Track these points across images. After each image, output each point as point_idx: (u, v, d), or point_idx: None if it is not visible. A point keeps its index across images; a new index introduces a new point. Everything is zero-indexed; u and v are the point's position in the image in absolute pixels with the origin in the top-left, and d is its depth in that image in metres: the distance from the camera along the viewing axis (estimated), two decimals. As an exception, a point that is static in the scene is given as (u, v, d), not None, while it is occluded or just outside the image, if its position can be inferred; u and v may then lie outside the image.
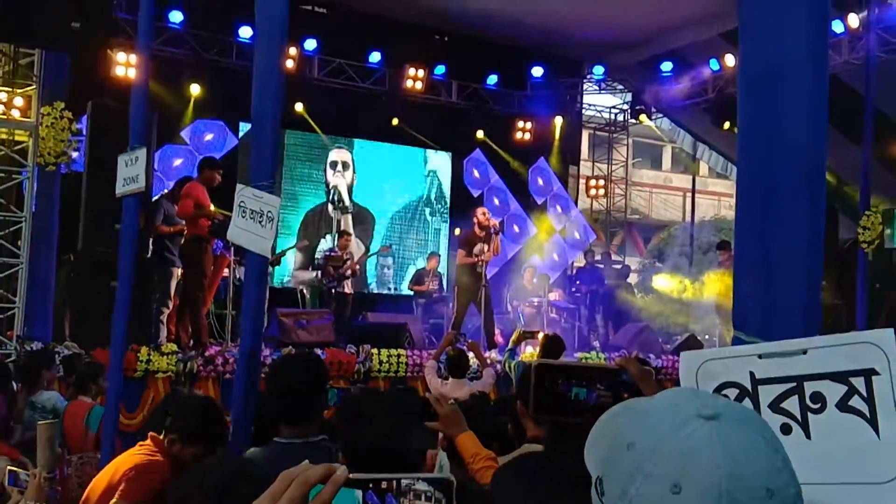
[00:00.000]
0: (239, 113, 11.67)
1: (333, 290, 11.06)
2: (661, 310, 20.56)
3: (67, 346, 7.51)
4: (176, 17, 12.01)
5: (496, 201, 15.01)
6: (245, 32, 12.09)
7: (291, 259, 12.94)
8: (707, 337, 14.53)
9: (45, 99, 8.22)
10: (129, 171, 4.80)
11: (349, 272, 11.31)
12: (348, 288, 11.32)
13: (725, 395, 1.48)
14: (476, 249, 10.39)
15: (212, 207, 8.41)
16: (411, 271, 13.73)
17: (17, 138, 8.24)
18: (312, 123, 13.33)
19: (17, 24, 6.95)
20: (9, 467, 3.30)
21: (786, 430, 1.42)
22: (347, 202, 14.08)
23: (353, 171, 14.17)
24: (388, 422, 2.41)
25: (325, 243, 13.31)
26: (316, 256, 11.43)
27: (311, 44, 12.97)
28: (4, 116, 8.26)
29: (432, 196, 14.94)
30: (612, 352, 10.91)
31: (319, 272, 11.37)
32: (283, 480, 0.95)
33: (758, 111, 1.84)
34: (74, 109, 8.35)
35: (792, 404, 1.42)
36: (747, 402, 1.45)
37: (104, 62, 10.70)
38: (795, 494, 0.95)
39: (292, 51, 12.19)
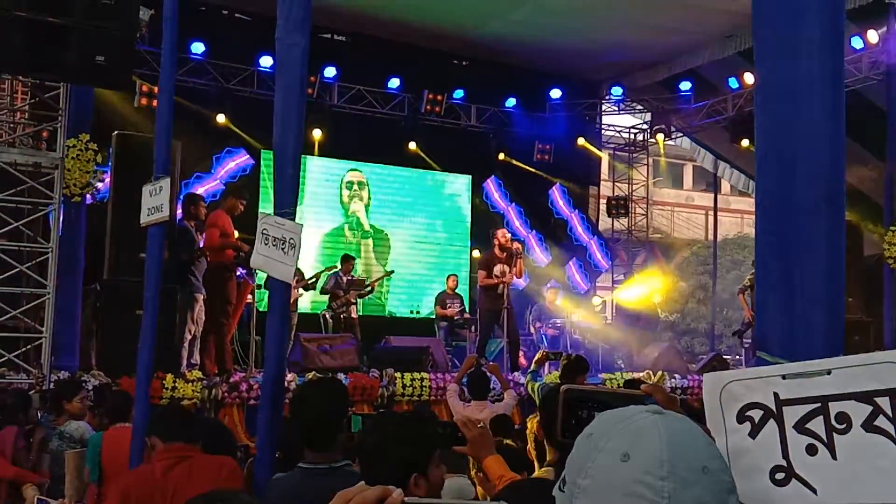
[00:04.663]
0: (261, 141, 11.82)
1: (342, 316, 11.08)
2: (684, 328, 20.42)
3: (94, 374, 7.58)
4: (198, 48, 12.19)
5: (516, 223, 15.02)
6: (266, 62, 12.24)
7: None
8: (737, 357, 14.38)
9: (70, 131, 8.35)
10: (154, 201, 4.87)
11: (355, 298, 11.35)
12: (354, 313, 11.35)
13: (750, 417, 1.47)
14: (497, 271, 10.37)
15: (236, 234, 8.50)
16: (432, 294, 13.73)
17: (43, 170, 8.38)
18: (328, 148, 13.44)
19: (42, 58, 7.09)
20: (38, 496, 3.33)
21: (811, 450, 1.41)
22: (367, 227, 14.14)
23: (369, 192, 14.24)
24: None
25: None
26: (321, 283, 11.49)
27: (330, 71, 13.11)
28: (31, 149, 8.41)
29: (452, 219, 14.97)
30: (636, 372, 10.83)
31: (329, 297, 11.38)
32: (339, 501, 0.97)
33: (775, 130, 1.84)
34: (99, 141, 8.49)
35: (817, 425, 1.41)
36: (772, 423, 1.45)
37: (128, 93, 10.86)
38: (730, 483, 1.09)
39: (312, 78, 12.32)
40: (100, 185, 8.85)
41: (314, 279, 11.41)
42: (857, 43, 11.22)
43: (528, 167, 15.05)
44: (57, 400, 6.05)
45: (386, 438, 2.47)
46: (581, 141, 15.39)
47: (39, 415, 6.37)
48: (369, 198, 14.27)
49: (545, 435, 3.01)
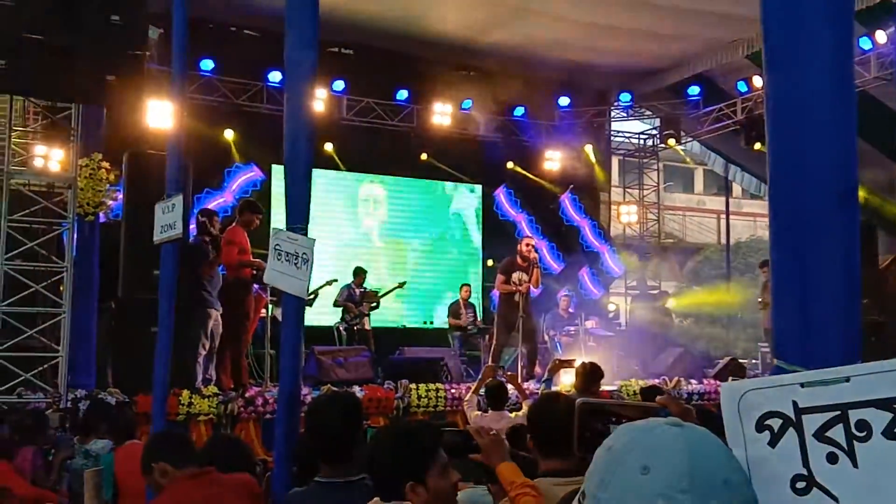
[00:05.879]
0: (271, 156, 11.87)
1: (356, 328, 11.09)
2: (699, 333, 20.33)
3: (111, 392, 7.60)
4: (207, 64, 12.27)
5: (527, 232, 15.00)
6: (275, 77, 12.30)
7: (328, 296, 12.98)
8: (753, 361, 14.28)
9: (82, 151, 8.41)
10: (167, 219, 4.89)
11: (367, 310, 11.36)
12: (367, 325, 11.35)
13: (769, 426, 1.46)
14: (515, 278, 10.34)
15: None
16: (445, 304, 13.72)
17: (56, 190, 8.43)
18: (338, 161, 13.48)
19: (53, 80, 7.14)
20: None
21: (832, 459, 1.40)
22: (378, 242, 14.12)
23: (386, 207, 14.25)
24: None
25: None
26: (336, 297, 11.47)
27: (339, 84, 13.17)
28: (44, 170, 8.47)
29: (463, 228, 14.98)
30: (652, 378, 10.78)
31: (342, 310, 11.37)
32: None
33: (787, 134, 1.83)
34: (111, 160, 8.54)
35: (837, 433, 1.40)
36: (791, 432, 1.44)
37: (139, 112, 10.93)
38: (752, 496, 1.10)
39: (321, 92, 12.37)
40: (112, 203, 8.90)
41: (313, 295, 11.40)
42: (865, 44, 11.19)
43: (538, 175, 15.05)
44: (95, 420, 6.02)
45: (380, 446, 2.51)
46: (590, 148, 15.38)
47: (58, 433, 6.39)
48: (386, 212, 14.26)
49: (535, 445, 3.00)
